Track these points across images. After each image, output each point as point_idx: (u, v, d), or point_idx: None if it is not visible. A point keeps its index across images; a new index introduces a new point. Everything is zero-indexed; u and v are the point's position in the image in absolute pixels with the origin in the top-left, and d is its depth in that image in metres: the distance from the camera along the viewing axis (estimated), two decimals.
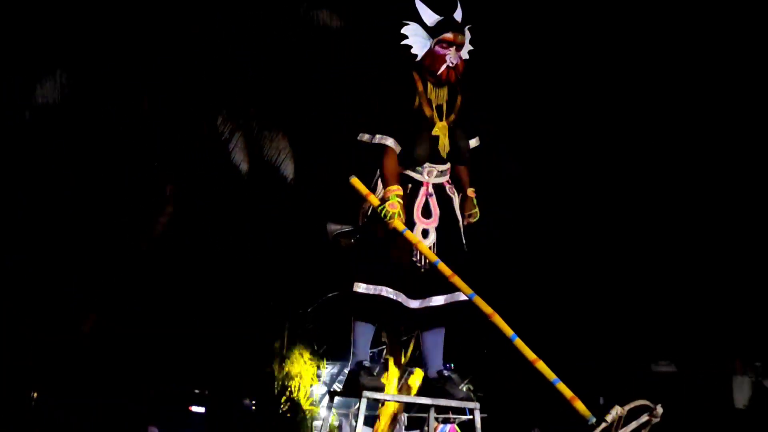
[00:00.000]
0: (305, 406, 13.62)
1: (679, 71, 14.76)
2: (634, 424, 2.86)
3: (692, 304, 17.00)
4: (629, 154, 15.44)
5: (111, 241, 11.59)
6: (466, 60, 4.01)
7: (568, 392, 3.35)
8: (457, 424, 22.09)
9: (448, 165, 4.07)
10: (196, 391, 11.66)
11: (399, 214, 3.79)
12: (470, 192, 4.17)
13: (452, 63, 3.90)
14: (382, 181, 3.96)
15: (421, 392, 4.17)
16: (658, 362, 17.25)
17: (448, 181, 4.10)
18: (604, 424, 2.91)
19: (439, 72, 3.90)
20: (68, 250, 11.32)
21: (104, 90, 10.98)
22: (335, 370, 17.26)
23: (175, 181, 12.16)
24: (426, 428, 4.71)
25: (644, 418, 2.99)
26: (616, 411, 2.94)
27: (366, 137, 3.99)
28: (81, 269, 11.40)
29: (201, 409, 9.55)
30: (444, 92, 4.00)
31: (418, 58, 3.95)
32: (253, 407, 8.63)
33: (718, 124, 15.20)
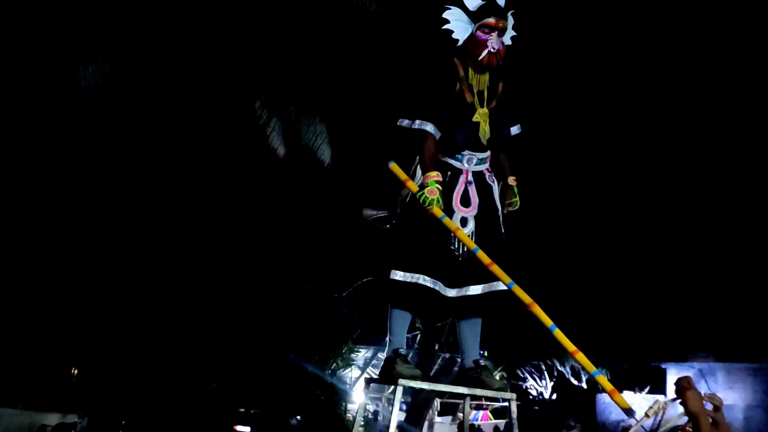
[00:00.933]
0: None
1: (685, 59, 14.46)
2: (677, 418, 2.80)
3: (731, 296, 16.74)
4: (653, 141, 15.19)
5: (145, 230, 11.73)
6: (508, 46, 3.94)
7: (608, 384, 3.31)
8: (490, 411, 22.16)
9: (489, 152, 4.00)
10: (241, 410, 11.59)
11: (438, 201, 3.74)
12: (511, 180, 4.10)
13: (494, 48, 3.82)
14: (421, 167, 3.91)
15: (457, 381, 4.13)
16: (695, 353, 17.03)
17: (488, 169, 4.03)
18: (645, 419, 2.86)
19: (481, 57, 3.83)
20: (104, 235, 11.48)
21: (144, 73, 11.08)
22: (369, 354, 17.35)
23: (214, 165, 12.25)
24: (460, 415, 4.70)
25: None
26: (657, 405, 2.89)
27: (406, 122, 3.94)
28: (113, 257, 11.56)
29: (246, 429, 9.45)
30: (485, 78, 3.93)
31: (460, 43, 3.88)
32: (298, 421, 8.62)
33: (733, 109, 14.84)
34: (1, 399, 8.82)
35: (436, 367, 14.96)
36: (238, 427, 7.81)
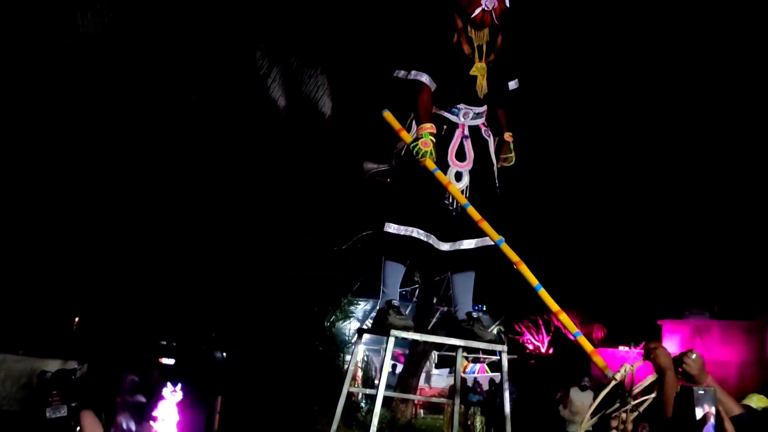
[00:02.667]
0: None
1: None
2: (650, 378, 2.84)
3: (730, 250, 16.81)
4: (649, 95, 15.08)
5: (147, 177, 11.72)
6: (509, 6, 3.84)
7: (588, 346, 3.37)
8: (487, 364, 22.46)
9: (485, 107, 3.98)
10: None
11: (431, 153, 3.72)
12: (507, 136, 4.08)
13: (488, 6, 3.75)
14: (415, 119, 3.89)
15: (449, 333, 4.19)
16: (691, 309, 17.15)
17: (484, 124, 4.01)
18: (613, 382, 2.90)
19: (474, 15, 3.77)
20: (105, 189, 11.47)
21: (143, 23, 10.95)
22: (368, 307, 17.52)
23: (213, 116, 12.19)
24: (454, 368, 4.77)
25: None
26: (624, 369, 2.93)
27: (402, 74, 3.91)
28: (118, 208, 11.57)
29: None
30: (484, 33, 3.87)
31: None
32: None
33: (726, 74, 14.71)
34: (3, 345, 8.94)
35: (434, 320, 15.11)
36: (163, 359, 7.88)
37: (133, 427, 7.10)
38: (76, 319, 11.97)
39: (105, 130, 11.44)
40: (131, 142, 11.48)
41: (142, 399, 7.35)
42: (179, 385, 7.56)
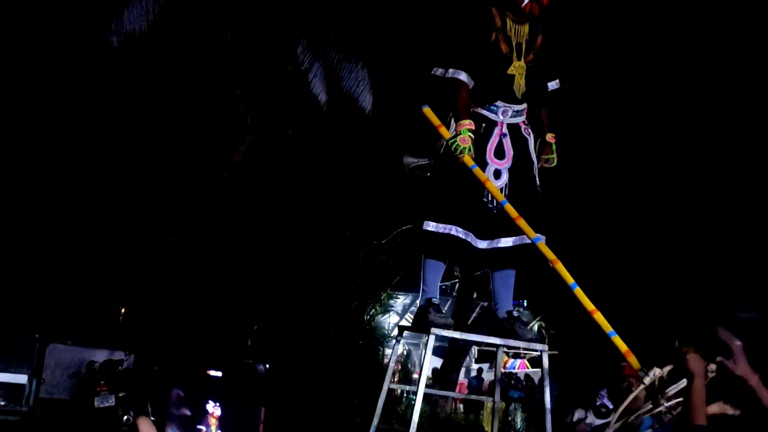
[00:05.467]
0: None
1: None
2: (682, 383, 2.80)
3: None
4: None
5: (192, 170, 11.91)
6: None
7: (622, 345, 3.34)
8: (528, 359, 22.30)
9: (525, 105, 3.94)
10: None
11: (469, 149, 3.71)
12: (549, 137, 4.01)
13: None
14: (454, 116, 3.88)
15: (490, 331, 4.19)
16: (739, 308, 16.75)
17: (524, 122, 3.97)
18: (642, 387, 2.87)
19: (523, 5, 3.71)
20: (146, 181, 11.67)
21: (188, 19, 11.10)
22: (408, 301, 17.55)
23: (256, 110, 12.31)
24: (494, 365, 4.77)
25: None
26: (654, 373, 2.90)
27: (440, 71, 3.90)
28: (163, 199, 11.78)
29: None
30: (525, 29, 3.83)
31: None
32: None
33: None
34: (52, 335, 9.20)
35: (474, 315, 15.08)
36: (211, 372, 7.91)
37: None
38: (122, 310, 12.24)
39: (147, 124, 11.66)
40: (174, 135, 11.68)
41: (188, 412, 7.47)
42: (221, 401, 7.65)
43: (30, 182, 11.17)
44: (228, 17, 11.49)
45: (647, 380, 2.87)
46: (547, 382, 4.15)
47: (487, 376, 20.14)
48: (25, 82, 11.13)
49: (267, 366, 8.14)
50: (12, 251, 10.74)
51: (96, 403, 7.02)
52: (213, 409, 7.57)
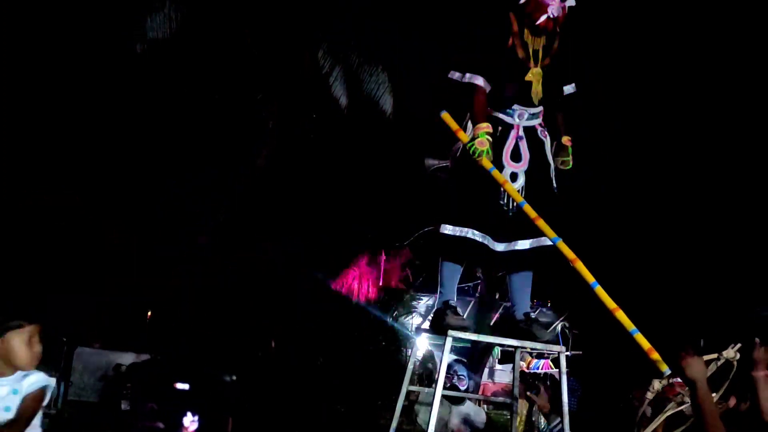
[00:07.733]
0: None
1: None
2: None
3: None
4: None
5: (213, 173, 12.03)
6: (571, 7, 3.79)
7: (645, 343, 3.34)
8: (551, 360, 22.16)
9: (541, 108, 3.96)
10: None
11: (488, 152, 3.74)
12: (565, 140, 4.04)
13: (554, 14, 3.72)
14: (471, 120, 3.92)
15: (508, 333, 4.20)
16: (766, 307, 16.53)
17: (540, 124, 4.00)
18: (649, 395, 2.87)
19: (539, 22, 3.75)
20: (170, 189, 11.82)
21: (210, 25, 11.23)
22: (431, 302, 17.51)
23: (278, 114, 12.42)
24: (523, 363, 4.79)
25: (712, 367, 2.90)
26: (654, 386, 2.90)
27: (456, 75, 3.94)
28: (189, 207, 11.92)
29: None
30: (541, 40, 3.86)
31: (522, 1, 3.80)
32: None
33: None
34: (80, 338, 9.36)
35: (496, 316, 15.03)
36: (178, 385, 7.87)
37: None
38: (149, 314, 12.41)
39: (170, 128, 11.81)
40: (197, 140, 11.82)
41: (161, 425, 7.51)
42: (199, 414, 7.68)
43: (55, 187, 11.38)
44: (248, 23, 11.61)
45: (649, 395, 2.87)
46: (564, 383, 4.15)
47: (510, 377, 20.03)
48: (53, 91, 11.33)
49: (234, 377, 8.15)
50: (39, 256, 10.96)
51: (123, 406, 7.14)
52: (189, 423, 7.57)
